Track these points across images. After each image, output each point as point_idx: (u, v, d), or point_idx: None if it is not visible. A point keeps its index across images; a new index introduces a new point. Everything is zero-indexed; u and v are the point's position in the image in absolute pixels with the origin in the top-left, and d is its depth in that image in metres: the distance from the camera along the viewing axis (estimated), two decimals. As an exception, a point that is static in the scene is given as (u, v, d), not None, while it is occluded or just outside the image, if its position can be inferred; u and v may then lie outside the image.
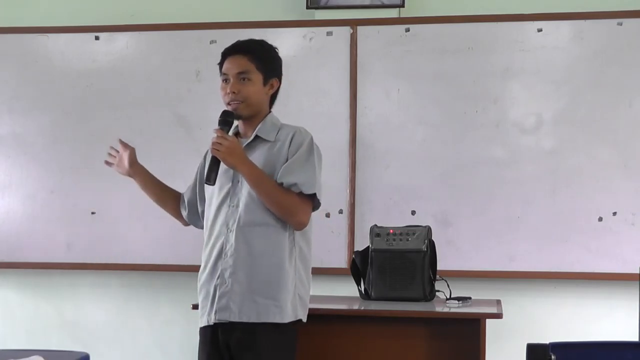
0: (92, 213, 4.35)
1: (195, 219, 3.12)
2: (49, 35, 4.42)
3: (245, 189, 2.86)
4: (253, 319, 2.81)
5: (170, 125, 4.32)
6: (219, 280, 2.84)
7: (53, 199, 4.39)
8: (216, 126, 2.86)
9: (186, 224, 3.17)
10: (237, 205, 2.86)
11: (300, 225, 2.88)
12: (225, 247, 2.85)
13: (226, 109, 2.89)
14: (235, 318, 2.81)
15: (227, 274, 2.83)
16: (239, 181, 2.88)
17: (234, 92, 2.87)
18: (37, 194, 4.40)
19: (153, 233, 4.27)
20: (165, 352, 4.43)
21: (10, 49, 4.45)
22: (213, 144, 2.81)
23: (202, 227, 3.04)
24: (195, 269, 3.00)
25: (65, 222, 4.37)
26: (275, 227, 2.85)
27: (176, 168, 3.96)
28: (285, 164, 2.85)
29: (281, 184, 2.83)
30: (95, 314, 4.49)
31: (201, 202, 3.06)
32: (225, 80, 2.91)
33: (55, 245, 4.36)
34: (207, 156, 3.02)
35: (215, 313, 2.84)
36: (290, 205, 2.84)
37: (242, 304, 2.81)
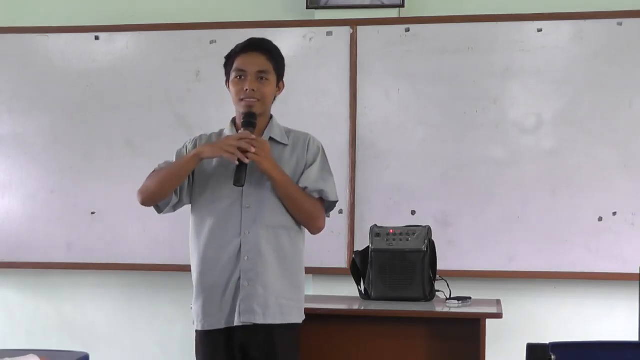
0: (92, 213, 4.35)
1: (168, 205, 2.93)
2: (49, 35, 4.42)
3: (263, 190, 2.81)
4: (278, 320, 2.80)
5: (170, 125, 4.31)
6: (238, 282, 2.78)
7: (53, 199, 4.39)
8: (224, 126, 2.86)
9: (160, 210, 2.96)
10: (253, 206, 2.80)
11: (319, 230, 2.91)
12: (245, 247, 2.78)
13: (243, 109, 2.82)
14: (260, 320, 2.78)
15: (250, 275, 2.78)
16: (250, 182, 2.80)
17: (252, 90, 2.81)
18: (37, 194, 4.40)
19: (153, 233, 4.27)
20: (166, 352, 4.43)
21: (10, 49, 4.45)
22: (248, 145, 2.71)
23: (158, 209, 2.91)
24: (195, 269, 2.99)
25: (65, 222, 4.37)
26: (296, 230, 2.87)
27: (176, 168, 3.95)
28: (308, 170, 2.85)
29: (303, 189, 2.84)
30: (95, 314, 4.49)
31: (187, 192, 2.90)
32: (240, 77, 2.84)
33: (55, 245, 4.36)
34: (199, 144, 2.93)
35: (239, 315, 2.78)
36: (314, 210, 2.86)
37: (266, 305, 2.78)
